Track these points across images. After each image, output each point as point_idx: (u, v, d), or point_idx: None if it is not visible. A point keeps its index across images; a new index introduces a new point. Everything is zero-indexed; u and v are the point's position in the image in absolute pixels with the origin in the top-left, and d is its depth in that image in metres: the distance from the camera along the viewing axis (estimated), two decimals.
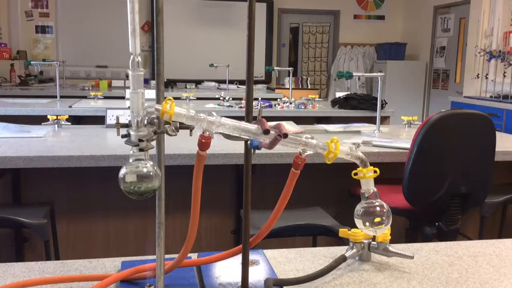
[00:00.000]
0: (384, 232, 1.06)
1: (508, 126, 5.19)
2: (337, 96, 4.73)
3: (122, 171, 0.76)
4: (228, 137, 0.84)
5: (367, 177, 1.01)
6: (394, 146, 2.57)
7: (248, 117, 0.87)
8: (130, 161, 0.77)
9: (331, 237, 2.04)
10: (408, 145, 2.35)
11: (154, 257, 0.89)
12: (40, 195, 2.49)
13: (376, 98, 3.33)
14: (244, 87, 0.90)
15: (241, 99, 5.05)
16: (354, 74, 3.10)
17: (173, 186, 2.27)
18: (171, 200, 2.46)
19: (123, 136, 0.78)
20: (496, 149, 2.32)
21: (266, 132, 0.83)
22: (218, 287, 0.96)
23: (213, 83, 7.22)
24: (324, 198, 2.76)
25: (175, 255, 0.94)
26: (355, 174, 1.02)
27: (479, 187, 2.30)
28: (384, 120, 4.41)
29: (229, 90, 6.38)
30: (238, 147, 2.35)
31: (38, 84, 6.59)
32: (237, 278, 0.97)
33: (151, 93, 3.76)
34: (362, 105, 4.38)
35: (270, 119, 2.41)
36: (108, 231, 2.57)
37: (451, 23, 7.61)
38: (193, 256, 1.09)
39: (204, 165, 0.84)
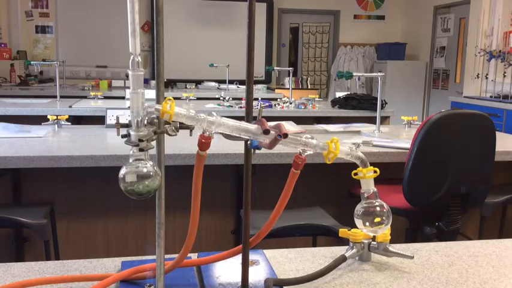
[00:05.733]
0: (384, 232, 1.06)
1: (508, 126, 5.19)
2: (337, 96, 4.73)
3: (122, 171, 0.76)
4: (228, 137, 0.84)
5: (367, 177, 1.01)
6: (394, 146, 2.57)
7: (248, 117, 0.87)
8: (130, 161, 0.77)
9: (331, 237, 2.04)
10: (408, 145, 2.35)
11: (154, 257, 0.89)
12: (40, 195, 2.49)
13: (376, 98, 3.33)
14: (244, 87, 0.90)
15: (241, 99, 5.05)
16: (354, 74, 3.10)
17: (173, 186, 2.27)
18: (171, 200, 2.46)
19: (123, 136, 0.78)
20: (496, 149, 2.32)
21: (266, 132, 0.83)
22: (218, 287, 0.96)
23: (213, 83, 7.22)
24: (324, 198, 2.76)
25: (175, 255, 0.94)
26: (355, 174, 1.02)
27: (479, 187, 2.30)
28: (384, 120, 4.41)
29: (229, 90, 6.38)
30: (238, 147, 2.35)
31: (38, 84, 6.59)
32: (237, 278, 0.97)
33: (151, 93, 3.75)
34: (362, 105, 4.38)
35: (270, 119, 2.40)
36: (108, 231, 2.57)
37: (451, 23, 7.61)
38: (193, 256, 1.09)
39: (204, 165, 0.84)
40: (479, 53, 6.30)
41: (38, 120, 3.08)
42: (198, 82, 7.50)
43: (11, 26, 7.65)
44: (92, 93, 5.13)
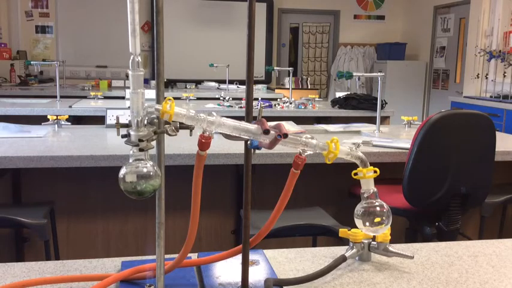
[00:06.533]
0: (384, 232, 1.06)
1: (508, 126, 5.19)
2: (337, 96, 4.73)
3: (122, 171, 0.76)
4: (228, 137, 0.84)
5: (367, 177, 1.01)
6: (394, 146, 2.57)
7: (248, 117, 0.87)
8: (130, 161, 0.77)
9: (331, 237, 2.04)
10: (408, 145, 2.35)
11: (154, 257, 0.89)
12: (40, 195, 2.49)
13: (376, 98, 3.33)
14: (244, 87, 0.90)
15: (241, 99, 5.05)
16: (354, 74, 3.10)
17: (173, 186, 2.27)
18: (171, 200, 2.47)
19: (123, 136, 0.78)
20: (496, 149, 2.32)
21: (266, 132, 0.83)
22: (218, 287, 0.96)
23: (213, 83, 7.22)
24: (324, 198, 2.76)
25: (175, 255, 0.94)
26: (355, 174, 1.02)
27: (479, 187, 2.30)
28: (384, 120, 4.41)
29: (229, 90, 6.38)
30: (238, 147, 2.35)
31: (38, 84, 6.59)
32: (237, 278, 0.97)
33: (151, 93, 3.75)
34: (362, 105, 4.38)
35: (270, 119, 2.40)
36: (108, 231, 2.57)
37: (451, 23, 7.61)
38: (193, 256, 1.09)
39: (204, 165, 0.84)
40: (479, 53, 6.30)
41: (38, 120, 3.08)
42: (198, 82, 7.50)
43: (11, 26, 7.65)
44: (92, 93, 5.13)
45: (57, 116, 2.96)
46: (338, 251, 1.16)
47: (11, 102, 4.34)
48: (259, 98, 5.24)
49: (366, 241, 1.09)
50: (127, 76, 6.44)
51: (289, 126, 3.20)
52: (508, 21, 6.20)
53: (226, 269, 1.04)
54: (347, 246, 1.10)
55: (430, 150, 2.21)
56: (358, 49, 8.70)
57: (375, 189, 1.03)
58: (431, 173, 2.23)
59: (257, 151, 1.62)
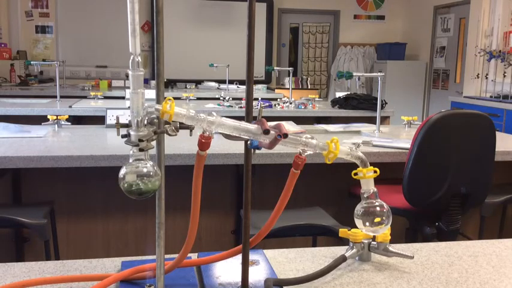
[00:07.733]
0: (384, 232, 1.06)
1: (508, 126, 5.19)
2: (337, 96, 4.73)
3: (122, 171, 0.76)
4: (228, 137, 0.84)
5: (367, 177, 1.01)
6: (394, 146, 2.57)
7: (248, 117, 0.87)
8: (131, 161, 0.77)
9: (331, 237, 2.04)
10: (408, 145, 2.35)
11: (154, 257, 0.89)
12: (40, 195, 2.49)
13: (376, 98, 3.33)
14: (244, 87, 0.90)
15: (241, 99, 5.05)
16: (354, 74, 3.10)
17: (173, 186, 2.27)
18: (171, 200, 2.47)
19: (123, 136, 0.78)
20: (496, 149, 2.32)
21: (266, 132, 0.83)
22: (218, 287, 0.95)
23: (213, 83, 7.22)
24: (324, 198, 2.76)
25: (175, 255, 0.94)
26: (355, 174, 1.02)
27: (479, 187, 2.30)
28: (384, 120, 4.41)
29: (229, 90, 6.38)
30: (238, 147, 2.35)
31: (38, 84, 6.59)
32: (237, 278, 0.97)
33: (151, 93, 3.74)
34: (362, 105, 4.38)
35: (270, 119, 2.40)
36: (108, 231, 2.57)
37: (451, 23, 7.61)
38: (193, 256, 1.09)
39: (204, 165, 0.84)
40: (479, 53, 6.30)
41: (38, 120, 3.08)
42: (198, 82, 7.50)
43: (11, 26, 7.65)
44: (92, 93, 5.13)
45: (57, 116, 2.96)
46: (338, 251, 1.16)
47: (11, 102, 4.34)
48: (259, 98, 5.23)
49: (366, 241, 1.09)
50: (127, 76, 6.43)
51: (289, 126, 3.20)
52: (508, 21, 6.20)
53: (226, 269, 1.04)
54: (347, 246, 1.10)
55: (430, 150, 2.21)
56: (358, 49, 8.70)
57: (375, 189, 1.03)
58: (431, 173, 2.23)
59: (257, 151, 1.62)
